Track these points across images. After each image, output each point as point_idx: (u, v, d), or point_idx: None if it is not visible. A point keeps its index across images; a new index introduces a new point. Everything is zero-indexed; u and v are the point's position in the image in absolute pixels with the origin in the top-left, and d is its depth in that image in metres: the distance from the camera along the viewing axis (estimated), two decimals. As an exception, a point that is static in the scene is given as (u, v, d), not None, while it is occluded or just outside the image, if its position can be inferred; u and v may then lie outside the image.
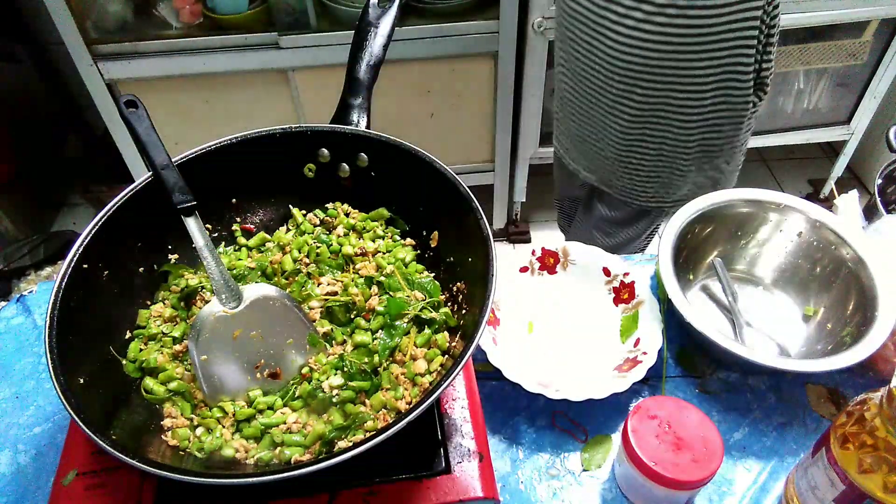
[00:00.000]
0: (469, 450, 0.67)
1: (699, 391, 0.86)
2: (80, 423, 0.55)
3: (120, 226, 0.70)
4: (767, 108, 2.18)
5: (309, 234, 0.82)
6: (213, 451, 0.64)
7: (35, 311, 0.95)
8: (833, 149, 2.58)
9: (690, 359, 0.89)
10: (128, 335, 0.72)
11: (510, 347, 0.88)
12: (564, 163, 1.41)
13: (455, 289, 0.75)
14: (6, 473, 0.77)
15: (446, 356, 0.70)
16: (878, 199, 1.29)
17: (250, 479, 0.54)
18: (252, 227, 0.85)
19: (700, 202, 0.94)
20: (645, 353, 0.83)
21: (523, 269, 0.97)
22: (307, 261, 0.79)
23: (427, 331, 0.72)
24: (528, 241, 2.47)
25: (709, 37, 1.01)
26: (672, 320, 0.90)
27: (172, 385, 0.68)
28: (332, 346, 0.72)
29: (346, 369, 0.69)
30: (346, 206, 0.85)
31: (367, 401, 0.67)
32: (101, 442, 0.54)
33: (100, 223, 0.69)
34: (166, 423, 0.67)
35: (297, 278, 0.76)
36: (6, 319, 0.94)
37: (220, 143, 0.77)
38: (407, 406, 0.66)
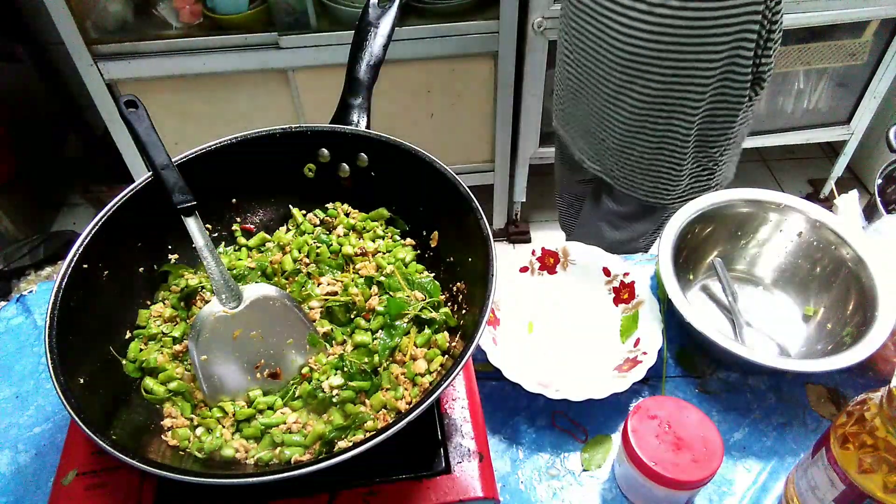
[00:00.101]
0: (469, 450, 0.67)
1: (699, 391, 0.86)
2: (80, 423, 0.55)
3: (120, 226, 0.70)
4: (767, 108, 2.19)
5: (309, 234, 0.82)
6: (213, 451, 0.64)
7: (35, 311, 0.95)
8: (833, 149, 2.58)
9: (690, 359, 0.89)
10: (128, 335, 0.72)
11: (510, 347, 0.88)
12: (569, 153, 1.41)
13: (455, 289, 0.75)
14: (6, 473, 0.77)
15: (446, 356, 0.70)
16: (878, 199, 1.29)
17: (250, 479, 0.54)
18: (252, 227, 0.85)
19: (700, 202, 0.94)
20: (645, 353, 0.83)
21: (523, 269, 0.97)
22: (307, 261, 0.79)
23: (427, 331, 0.72)
24: (528, 241, 2.47)
25: (710, 30, 1.02)
26: (672, 320, 0.90)
27: (172, 385, 0.68)
28: (332, 346, 0.72)
29: (346, 369, 0.69)
30: (346, 206, 0.85)
31: (367, 401, 0.67)
32: (101, 442, 0.54)
33: (100, 223, 0.69)
34: (166, 423, 0.67)
35: (297, 278, 0.76)
36: (6, 319, 0.94)
37: (220, 143, 0.77)
38: (407, 406, 0.66)
